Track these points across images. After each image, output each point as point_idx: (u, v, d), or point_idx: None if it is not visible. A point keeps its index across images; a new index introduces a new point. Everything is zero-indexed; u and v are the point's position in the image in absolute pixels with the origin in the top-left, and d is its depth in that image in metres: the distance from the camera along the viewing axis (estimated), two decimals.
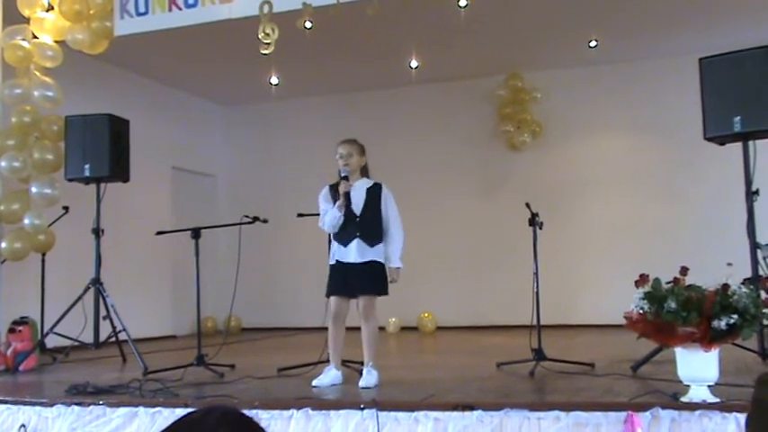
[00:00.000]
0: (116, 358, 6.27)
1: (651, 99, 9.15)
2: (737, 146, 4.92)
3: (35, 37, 6.42)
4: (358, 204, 4.58)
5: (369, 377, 4.37)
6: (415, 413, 3.46)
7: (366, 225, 4.56)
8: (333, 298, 4.59)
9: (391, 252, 4.59)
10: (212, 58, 8.74)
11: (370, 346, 4.51)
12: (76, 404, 4.04)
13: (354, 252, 4.52)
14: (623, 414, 3.17)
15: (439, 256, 9.63)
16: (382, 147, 9.87)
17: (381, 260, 4.57)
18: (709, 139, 4.94)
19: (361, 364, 4.56)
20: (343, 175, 4.56)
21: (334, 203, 4.55)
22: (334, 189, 4.61)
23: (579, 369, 4.71)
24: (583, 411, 3.26)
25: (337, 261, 4.59)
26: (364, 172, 4.71)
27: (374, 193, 4.62)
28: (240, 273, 5.45)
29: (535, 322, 4.91)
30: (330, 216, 4.54)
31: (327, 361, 4.63)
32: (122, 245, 8.21)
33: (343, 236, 4.57)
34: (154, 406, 3.91)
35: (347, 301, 4.60)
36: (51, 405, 4.08)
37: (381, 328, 9.25)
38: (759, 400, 1.57)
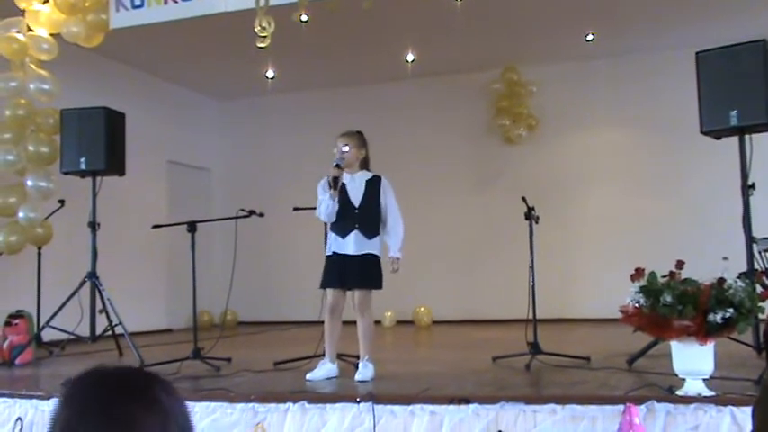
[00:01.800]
0: (112, 352, 6.26)
1: (648, 93, 9.14)
2: (733, 140, 4.92)
3: (30, 30, 6.39)
4: (357, 196, 4.59)
5: (365, 371, 4.38)
6: (410, 406, 3.46)
7: (365, 217, 4.56)
8: (329, 290, 4.59)
9: (392, 243, 4.60)
10: (208, 52, 8.71)
11: (366, 339, 4.52)
12: None
13: (352, 244, 4.52)
14: (619, 408, 3.17)
15: (435, 250, 9.63)
16: (378, 141, 9.80)
17: (378, 253, 4.58)
18: (705, 134, 4.94)
19: (357, 357, 4.57)
20: (335, 163, 4.55)
21: None
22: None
23: (575, 363, 4.72)
24: (578, 405, 3.27)
25: (334, 252, 4.58)
26: (364, 164, 4.71)
27: (373, 186, 4.63)
28: (236, 266, 5.45)
29: (531, 316, 4.92)
30: (324, 205, 4.53)
31: (323, 354, 4.63)
32: (118, 238, 8.18)
33: (342, 227, 4.56)
34: None
35: (343, 293, 4.60)
36: (47, 398, 4.07)
37: (377, 322, 9.29)
38: None
